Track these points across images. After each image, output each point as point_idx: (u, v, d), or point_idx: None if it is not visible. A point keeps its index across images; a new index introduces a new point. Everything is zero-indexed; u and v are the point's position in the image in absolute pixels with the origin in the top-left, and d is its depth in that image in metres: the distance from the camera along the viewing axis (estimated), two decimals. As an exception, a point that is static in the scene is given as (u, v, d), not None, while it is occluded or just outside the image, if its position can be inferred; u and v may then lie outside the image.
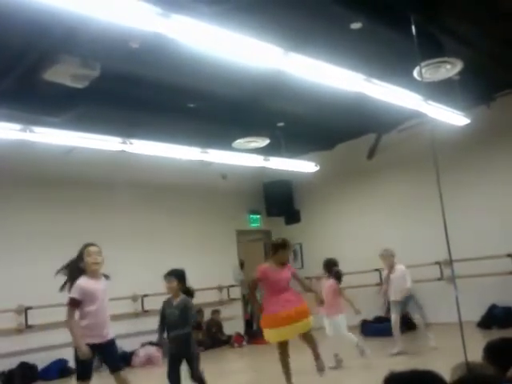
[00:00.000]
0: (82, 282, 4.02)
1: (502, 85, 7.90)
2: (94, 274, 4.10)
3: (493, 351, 2.22)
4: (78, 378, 4.00)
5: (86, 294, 4.00)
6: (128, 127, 6.94)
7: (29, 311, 7.59)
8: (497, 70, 6.97)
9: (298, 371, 5.98)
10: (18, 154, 7.09)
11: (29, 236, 7.83)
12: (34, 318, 7.57)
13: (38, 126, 5.90)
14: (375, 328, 8.64)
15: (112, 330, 4.16)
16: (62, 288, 4.08)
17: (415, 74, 5.50)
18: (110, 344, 4.12)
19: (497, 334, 6.87)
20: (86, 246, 4.15)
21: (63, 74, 5.04)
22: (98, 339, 4.01)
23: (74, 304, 3.99)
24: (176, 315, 4.66)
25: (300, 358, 6.84)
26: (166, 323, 4.68)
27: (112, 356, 4.16)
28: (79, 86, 5.28)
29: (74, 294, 3.98)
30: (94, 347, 3.97)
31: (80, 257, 4.10)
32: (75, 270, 4.09)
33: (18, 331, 7.60)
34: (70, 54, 4.90)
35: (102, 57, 5.10)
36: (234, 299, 10.40)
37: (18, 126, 5.76)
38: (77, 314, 4.03)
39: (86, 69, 5.04)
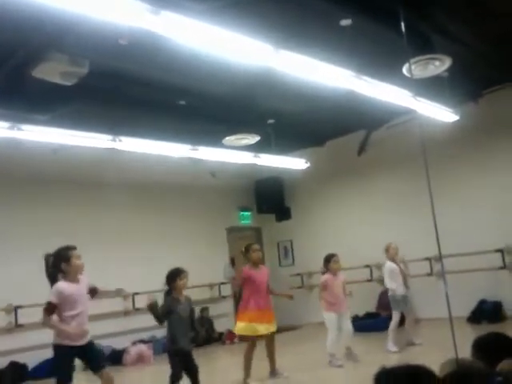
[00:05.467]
0: (63, 285, 3.93)
1: (490, 81, 7.96)
2: (75, 278, 4.01)
3: (481, 346, 2.23)
4: (58, 382, 3.89)
5: (65, 299, 3.90)
6: (117, 124, 6.90)
7: (18, 310, 7.54)
8: (485, 67, 7.02)
9: (290, 368, 6.02)
10: (5, 153, 7.02)
11: (17, 235, 7.78)
12: (24, 317, 7.52)
13: (25, 123, 5.84)
14: (366, 324, 8.68)
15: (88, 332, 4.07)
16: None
17: (404, 70, 5.51)
18: (90, 345, 4.06)
19: (486, 328, 6.91)
20: (72, 248, 4.05)
21: (52, 72, 5.00)
22: (78, 342, 3.94)
23: (51, 309, 3.88)
24: (187, 311, 4.77)
25: (291, 355, 6.89)
26: (176, 319, 4.66)
27: (93, 356, 4.10)
28: (68, 83, 5.24)
29: (53, 297, 3.89)
30: (74, 350, 3.92)
31: (65, 259, 3.97)
32: (56, 272, 4.00)
33: (8, 330, 7.56)
34: (59, 51, 4.86)
35: (91, 54, 5.07)
36: (224, 297, 10.41)
37: (5, 124, 5.70)
38: (56, 318, 3.92)
39: (74, 66, 5.00)
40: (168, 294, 4.76)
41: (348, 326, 6.34)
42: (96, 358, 4.15)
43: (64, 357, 3.92)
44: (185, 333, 4.74)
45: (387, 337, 6.60)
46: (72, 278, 3.99)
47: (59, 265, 3.99)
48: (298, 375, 5.91)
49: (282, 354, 6.17)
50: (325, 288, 6.36)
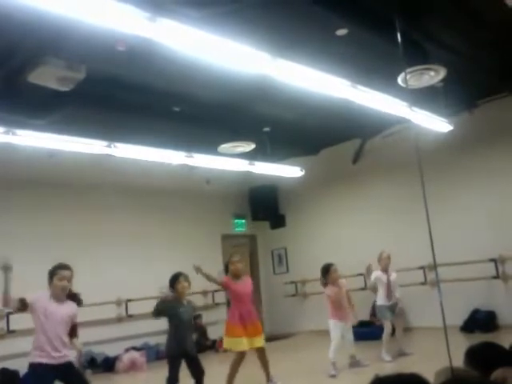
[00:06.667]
0: (40, 296, 3.89)
1: (484, 92, 8.02)
2: (58, 297, 3.93)
3: (474, 355, 2.23)
4: None
5: (34, 308, 3.84)
6: (113, 130, 6.89)
7: (11, 316, 7.48)
8: (479, 78, 7.06)
9: (285, 376, 6.00)
10: (1, 157, 7.00)
11: (11, 239, 7.72)
12: (16, 324, 7.46)
13: (21, 128, 5.83)
14: (360, 332, 8.64)
15: (69, 354, 3.96)
16: None
17: (400, 80, 5.55)
18: (67, 367, 3.93)
19: (479, 338, 6.94)
20: (60, 267, 3.97)
21: (48, 77, 4.99)
22: (48, 360, 3.81)
23: (23, 304, 3.81)
24: (189, 314, 4.92)
25: (285, 362, 6.87)
26: (177, 322, 4.80)
27: (72, 379, 3.97)
28: (64, 88, 5.23)
29: (29, 297, 3.83)
30: (49, 368, 3.81)
31: (50, 275, 3.94)
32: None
33: (0, 336, 7.49)
34: (56, 57, 4.86)
35: (88, 59, 5.07)
36: (218, 304, 10.38)
37: (0, 129, 5.68)
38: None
39: (71, 71, 5.00)
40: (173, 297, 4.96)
41: (349, 336, 6.35)
42: (74, 380, 4.00)
43: (37, 374, 3.81)
44: (185, 336, 4.79)
45: (381, 346, 6.60)
46: (54, 296, 3.93)
47: (48, 279, 3.98)
48: (293, 382, 5.90)
49: (276, 361, 6.16)
50: (330, 300, 6.32)
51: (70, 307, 4.03)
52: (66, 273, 3.95)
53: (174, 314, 4.82)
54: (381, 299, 6.72)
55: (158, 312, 4.91)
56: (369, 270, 6.73)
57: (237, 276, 5.69)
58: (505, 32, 5.80)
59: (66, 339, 3.96)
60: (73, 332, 4.09)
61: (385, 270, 6.80)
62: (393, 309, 6.76)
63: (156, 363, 8.19)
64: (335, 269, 6.42)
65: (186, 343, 4.81)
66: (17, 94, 5.50)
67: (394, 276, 6.84)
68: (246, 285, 5.75)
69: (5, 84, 5.28)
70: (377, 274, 6.79)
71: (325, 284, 6.47)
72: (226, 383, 5.52)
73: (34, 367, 3.83)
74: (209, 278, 5.53)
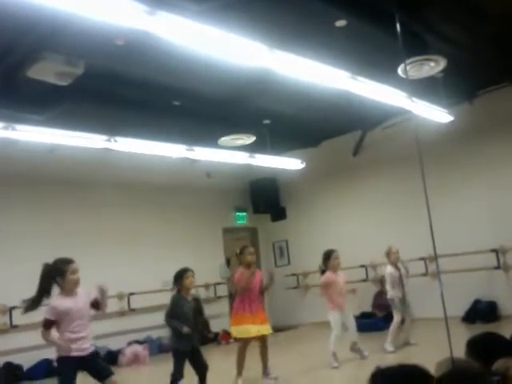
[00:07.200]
0: (57, 302, 3.89)
1: (484, 82, 8.00)
2: (71, 292, 3.95)
3: (475, 346, 2.24)
4: None
5: (60, 314, 3.87)
6: (113, 125, 6.89)
7: (13, 311, 7.51)
8: (480, 68, 7.04)
9: (285, 368, 6.03)
10: (1, 153, 7.00)
11: (13, 235, 7.74)
12: (19, 318, 7.48)
13: (21, 123, 5.82)
14: (362, 324, 8.68)
15: (90, 345, 4.01)
16: (28, 309, 3.90)
17: (399, 71, 5.53)
18: (92, 357, 4.01)
19: (481, 328, 6.96)
20: (69, 262, 3.97)
21: (47, 72, 4.99)
22: (76, 353, 3.89)
23: (48, 325, 3.86)
24: (192, 309, 4.87)
25: (286, 355, 6.91)
26: (182, 318, 4.80)
27: (96, 368, 4.03)
28: (63, 83, 5.23)
29: (48, 314, 3.86)
30: (76, 360, 3.89)
31: (61, 273, 3.91)
32: (50, 285, 3.93)
33: (3, 331, 7.52)
34: (54, 52, 4.85)
35: (87, 54, 5.06)
36: (220, 297, 10.42)
37: (0, 124, 5.68)
38: (54, 331, 3.92)
39: (69, 66, 5.00)
40: (177, 292, 4.94)
41: (351, 322, 6.38)
42: (99, 369, 4.06)
43: (67, 368, 3.91)
44: (193, 331, 4.80)
45: (385, 336, 6.61)
46: (67, 292, 3.94)
47: (55, 278, 3.94)
48: (292, 375, 5.92)
49: (278, 354, 6.19)
50: (327, 286, 6.31)
51: (82, 296, 4.04)
52: (75, 266, 3.97)
53: (179, 311, 4.81)
54: (393, 292, 6.71)
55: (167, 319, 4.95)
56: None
57: (249, 267, 5.71)
58: (506, 26, 5.78)
59: (88, 329, 4.02)
60: (97, 304, 4.13)
61: (394, 265, 6.81)
62: (404, 301, 6.77)
63: (159, 356, 8.23)
64: (336, 256, 6.42)
65: (194, 339, 4.84)
66: (16, 89, 5.50)
67: (402, 269, 6.86)
68: (256, 278, 5.75)
69: (4, 79, 5.28)
70: (390, 271, 6.77)
71: (323, 271, 6.48)
72: (237, 371, 5.58)
73: (61, 361, 3.92)
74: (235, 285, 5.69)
